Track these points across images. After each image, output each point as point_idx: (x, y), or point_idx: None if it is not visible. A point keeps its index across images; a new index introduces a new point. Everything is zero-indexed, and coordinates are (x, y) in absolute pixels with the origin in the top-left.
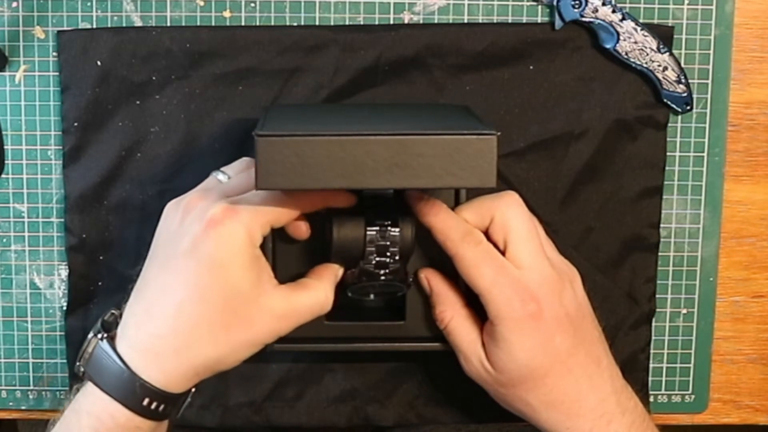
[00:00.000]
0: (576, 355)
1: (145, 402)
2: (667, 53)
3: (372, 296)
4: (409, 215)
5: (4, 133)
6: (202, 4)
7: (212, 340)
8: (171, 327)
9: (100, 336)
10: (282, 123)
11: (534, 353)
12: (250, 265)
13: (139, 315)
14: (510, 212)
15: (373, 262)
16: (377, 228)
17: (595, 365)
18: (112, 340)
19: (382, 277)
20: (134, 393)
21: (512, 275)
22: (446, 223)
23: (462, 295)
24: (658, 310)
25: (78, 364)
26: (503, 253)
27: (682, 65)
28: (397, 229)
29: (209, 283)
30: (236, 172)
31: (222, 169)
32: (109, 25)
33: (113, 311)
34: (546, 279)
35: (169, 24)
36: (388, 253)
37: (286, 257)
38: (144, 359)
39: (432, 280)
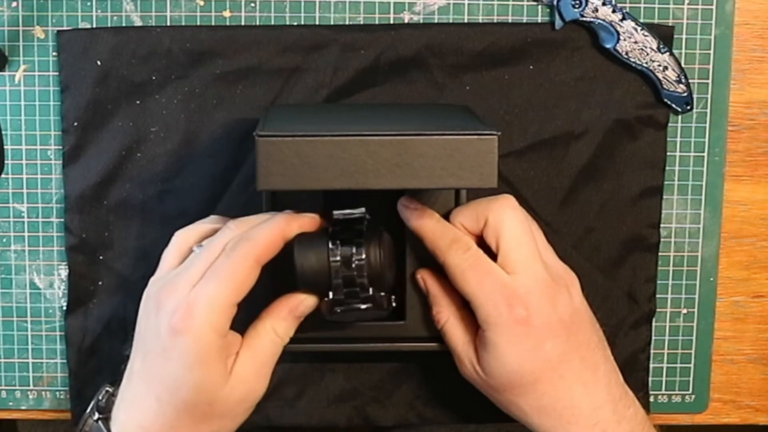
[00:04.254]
0: (569, 362)
1: None
2: (667, 53)
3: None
4: (378, 238)
5: (4, 133)
6: (202, 4)
7: (194, 427)
8: (153, 420)
9: (95, 417)
10: (282, 123)
11: (522, 359)
12: (219, 356)
13: (128, 401)
14: (504, 215)
15: (343, 293)
16: (339, 259)
17: (590, 372)
18: (107, 421)
19: (361, 306)
20: None
21: (500, 280)
22: (434, 232)
23: (459, 297)
24: (658, 310)
25: None
26: (496, 256)
27: (683, 65)
28: (363, 257)
29: (181, 381)
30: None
31: (205, 243)
32: (109, 25)
33: (107, 388)
34: (538, 283)
35: (169, 24)
36: (357, 283)
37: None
38: None
39: (428, 280)
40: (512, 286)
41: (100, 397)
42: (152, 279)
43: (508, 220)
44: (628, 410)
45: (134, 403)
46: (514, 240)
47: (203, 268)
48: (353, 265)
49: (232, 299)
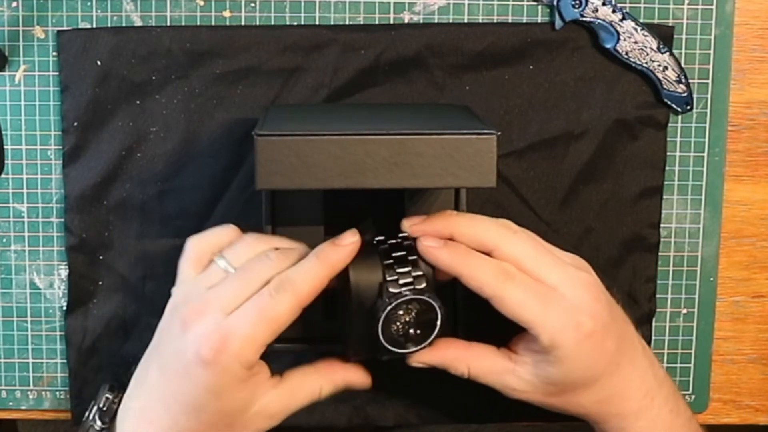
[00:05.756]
0: (619, 348)
1: None
2: (667, 53)
3: (409, 346)
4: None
5: (4, 133)
6: (202, 4)
7: None
8: None
9: (98, 426)
10: (282, 123)
11: (591, 364)
12: (244, 386)
13: (137, 412)
14: (509, 246)
15: (395, 270)
16: (389, 245)
17: (632, 348)
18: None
19: (406, 292)
20: None
21: (558, 301)
22: (476, 269)
23: (458, 342)
24: (658, 310)
25: None
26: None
27: (682, 65)
28: (420, 273)
29: (203, 405)
30: (241, 258)
31: (226, 254)
32: (109, 25)
33: (107, 395)
34: (583, 286)
35: (169, 24)
36: (409, 260)
37: None
38: None
39: (424, 358)
40: (567, 301)
41: (101, 405)
42: (175, 288)
43: (520, 247)
44: (661, 371)
45: (145, 416)
46: (535, 261)
47: (238, 296)
48: (402, 246)
49: (268, 340)
